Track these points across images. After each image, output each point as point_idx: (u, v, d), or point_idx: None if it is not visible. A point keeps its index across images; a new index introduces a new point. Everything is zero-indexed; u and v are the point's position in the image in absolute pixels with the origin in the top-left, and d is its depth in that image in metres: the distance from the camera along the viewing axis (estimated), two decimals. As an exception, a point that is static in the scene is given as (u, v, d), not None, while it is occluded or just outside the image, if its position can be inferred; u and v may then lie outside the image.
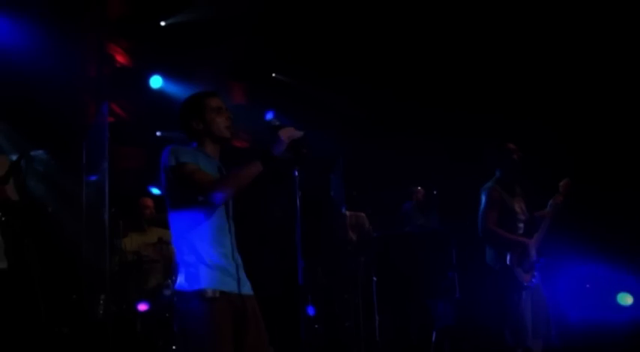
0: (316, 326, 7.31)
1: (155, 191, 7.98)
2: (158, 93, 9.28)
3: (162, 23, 8.92)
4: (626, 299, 8.20)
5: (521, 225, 5.57)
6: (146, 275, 6.52)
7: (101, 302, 6.00)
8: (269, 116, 9.46)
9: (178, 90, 9.28)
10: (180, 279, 3.30)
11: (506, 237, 5.46)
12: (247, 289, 3.39)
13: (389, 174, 9.24)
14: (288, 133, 3.22)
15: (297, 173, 3.17)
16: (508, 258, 5.41)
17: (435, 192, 8.57)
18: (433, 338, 7.29)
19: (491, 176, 5.69)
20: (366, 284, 7.43)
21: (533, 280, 5.42)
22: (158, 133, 9.45)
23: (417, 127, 9.25)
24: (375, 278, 7.37)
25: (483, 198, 5.53)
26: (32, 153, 5.60)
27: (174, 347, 5.76)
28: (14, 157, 5.12)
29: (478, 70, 8.72)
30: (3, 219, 4.70)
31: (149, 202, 7.10)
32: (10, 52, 7.47)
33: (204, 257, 3.27)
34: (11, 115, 7.44)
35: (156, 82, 9.23)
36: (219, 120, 3.45)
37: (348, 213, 8.01)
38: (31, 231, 4.76)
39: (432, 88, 9.00)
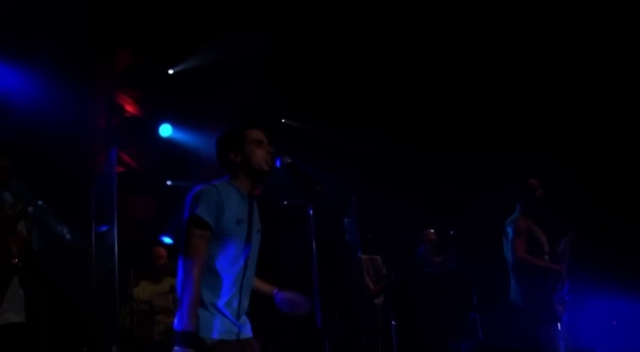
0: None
1: (167, 240, 7.88)
2: (168, 142, 9.22)
3: (171, 71, 8.87)
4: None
5: (546, 257, 5.53)
6: (158, 324, 6.37)
7: None
8: (278, 163, 9.38)
9: (188, 138, 9.24)
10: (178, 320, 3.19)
11: (541, 264, 5.44)
12: (247, 332, 3.31)
13: (404, 216, 9.10)
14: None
15: (311, 212, 3.02)
16: (539, 290, 5.27)
17: (451, 232, 8.40)
18: (457, 382, 7.07)
19: (508, 211, 5.71)
20: (385, 329, 7.23)
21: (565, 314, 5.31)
22: (168, 182, 9.37)
23: (430, 168, 9.13)
24: (393, 323, 7.15)
25: (510, 230, 5.53)
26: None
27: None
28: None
29: (487, 106, 8.62)
30: (21, 266, 4.55)
31: (162, 252, 6.97)
32: (20, 102, 7.44)
33: (206, 302, 3.17)
34: (19, 165, 7.34)
35: (165, 130, 9.17)
36: (258, 153, 3.35)
37: (363, 256, 7.87)
38: (41, 282, 4.62)
39: (443, 128, 8.91)
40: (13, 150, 7.12)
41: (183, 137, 9.25)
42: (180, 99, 9.10)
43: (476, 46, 8.18)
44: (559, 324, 5.29)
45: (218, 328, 3.15)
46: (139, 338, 6.23)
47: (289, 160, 3.24)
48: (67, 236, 7.01)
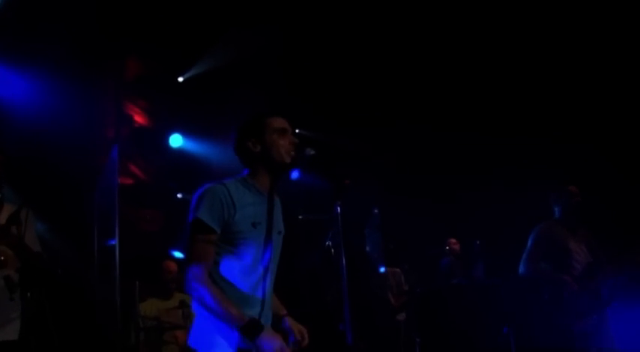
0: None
1: (177, 254, 7.53)
2: (178, 153, 8.89)
3: (180, 79, 8.56)
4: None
5: (577, 266, 5.31)
6: (167, 343, 5.95)
7: None
8: (294, 175, 9.09)
9: (200, 149, 8.90)
10: (194, 333, 2.87)
11: (545, 274, 5.31)
12: None
13: (427, 227, 8.71)
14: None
15: (339, 209, 2.65)
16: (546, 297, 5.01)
17: (477, 242, 7.99)
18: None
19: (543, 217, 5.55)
20: (409, 346, 6.83)
21: (588, 327, 4.94)
22: (179, 195, 9.03)
23: (455, 176, 8.76)
24: (417, 340, 6.74)
25: (530, 237, 5.46)
26: None
27: None
28: None
29: (517, 109, 8.26)
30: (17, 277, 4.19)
31: (172, 266, 6.60)
32: (27, 112, 7.20)
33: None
34: (27, 176, 7.09)
35: (176, 140, 8.83)
36: (281, 143, 2.98)
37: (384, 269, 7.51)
38: (44, 288, 4.24)
39: (468, 133, 8.54)
40: (18, 160, 6.99)
41: (194, 147, 8.90)
42: (191, 109, 8.82)
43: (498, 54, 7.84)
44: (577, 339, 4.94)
45: (235, 344, 2.79)
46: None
47: (313, 152, 2.86)
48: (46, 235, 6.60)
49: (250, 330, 2.67)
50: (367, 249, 7.37)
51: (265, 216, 2.98)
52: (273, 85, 8.45)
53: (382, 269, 7.53)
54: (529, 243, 5.44)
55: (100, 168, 8.44)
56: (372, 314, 7.11)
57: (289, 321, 3.14)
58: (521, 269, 5.41)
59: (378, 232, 7.27)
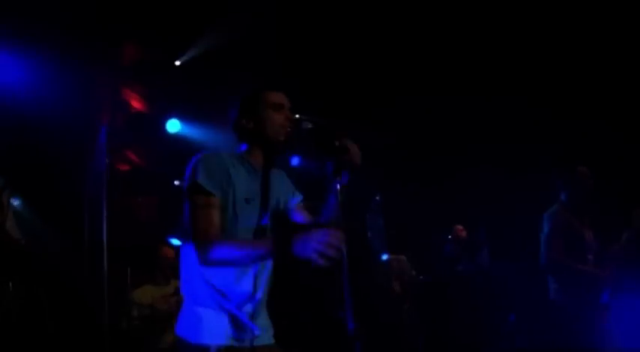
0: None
1: (175, 242, 7.38)
2: (176, 139, 8.71)
3: (178, 63, 8.37)
4: None
5: (590, 256, 4.91)
6: (162, 331, 5.77)
7: None
8: (294, 162, 8.93)
9: (198, 134, 8.72)
10: (182, 322, 2.67)
11: (576, 267, 4.80)
12: (264, 339, 2.76)
13: (431, 212, 8.53)
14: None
15: (339, 186, 2.46)
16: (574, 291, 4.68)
17: (483, 228, 7.82)
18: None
19: (550, 202, 5.15)
20: (413, 336, 6.66)
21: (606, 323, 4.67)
22: (176, 183, 8.86)
23: (460, 160, 8.56)
24: (422, 328, 6.57)
25: (547, 224, 4.94)
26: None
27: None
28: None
29: (523, 97, 8.04)
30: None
31: (169, 251, 6.42)
32: (22, 98, 7.08)
33: (212, 299, 2.63)
34: (19, 162, 6.95)
35: (173, 126, 8.64)
36: (275, 119, 2.79)
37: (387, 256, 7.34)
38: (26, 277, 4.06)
39: (472, 115, 8.33)
40: (10, 145, 6.85)
41: (192, 133, 8.72)
42: (189, 93, 8.64)
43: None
44: (599, 332, 4.67)
45: (226, 331, 2.61)
46: (138, 343, 5.68)
47: (310, 125, 2.66)
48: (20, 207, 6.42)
49: (282, 252, 2.42)
50: (369, 235, 7.19)
51: (258, 193, 2.79)
52: (273, 68, 8.25)
53: (385, 257, 7.36)
54: (546, 231, 4.96)
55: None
56: (374, 303, 6.93)
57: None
58: (543, 259, 4.94)
59: (379, 218, 7.08)
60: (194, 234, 2.56)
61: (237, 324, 2.66)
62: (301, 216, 2.94)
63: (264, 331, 2.78)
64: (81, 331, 6.03)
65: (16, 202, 4.72)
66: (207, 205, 2.60)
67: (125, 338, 5.55)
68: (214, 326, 2.62)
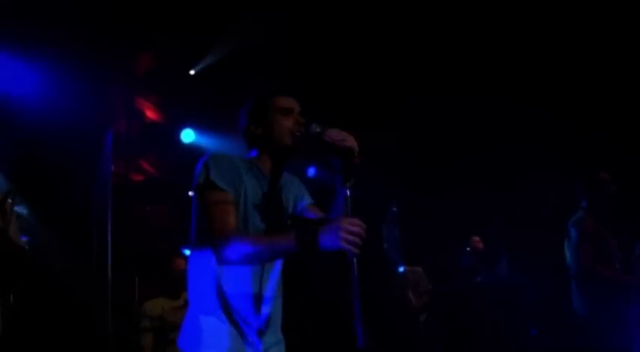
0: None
1: (188, 252, 7.28)
2: (190, 149, 8.65)
3: (192, 72, 8.31)
4: None
5: (616, 264, 4.75)
6: (171, 343, 5.66)
7: None
8: (311, 172, 8.82)
9: (212, 144, 8.64)
10: (183, 333, 2.58)
11: (609, 274, 4.66)
12: None
13: (448, 223, 8.37)
14: (340, 141, 2.44)
15: (348, 193, 2.33)
16: (608, 306, 4.50)
17: (501, 239, 7.64)
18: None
19: (570, 210, 5.03)
20: (430, 348, 6.50)
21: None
22: (190, 193, 8.77)
23: (477, 169, 8.40)
24: (440, 341, 6.41)
25: (574, 232, 4.79)
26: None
27: None
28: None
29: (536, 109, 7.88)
30: None
31: (182, 264, 6.30)
32: (36, 106, 7.04)
33: (217, 310, 2.51)
34: (33, 172, 6.92)
35: (188, 136, 8.58)
36: (284, 124, 2.68)
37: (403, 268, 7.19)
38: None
39: (491, 122, 8.17)
40: (22, 155, 6.81)
41: (206, 142, 8.64)
42: (204, 102, 8.58)
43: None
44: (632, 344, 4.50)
45: (229, 344, 2.48)
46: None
47: (318, 129, 2.53)
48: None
49: (307, 243, 2.29)
50: (385, 246, 7.04)
51: (268, 198, 2.69)
52: (288, 75, 8.16)
53: (401, 269, 7.22)
54: (574, 238, 4.82)
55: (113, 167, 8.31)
56: (390, 315, 6.78)
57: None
58: (574, 268, 4.80)
59: (396, 229, 6.94)
60: (211, 231, 2.45)
61: (241, 338, 2.53)
62: (312, 214, 2.82)
63: (272, 346, 2.65)
64: (85, 341, 5.94)
65: (20, 209, 4.63)
66: (223, 201, 2.50)
67: (131, 350, 5.44)
68: (215, 338, 2.50)
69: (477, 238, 8.19)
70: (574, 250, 4.80)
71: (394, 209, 7.05)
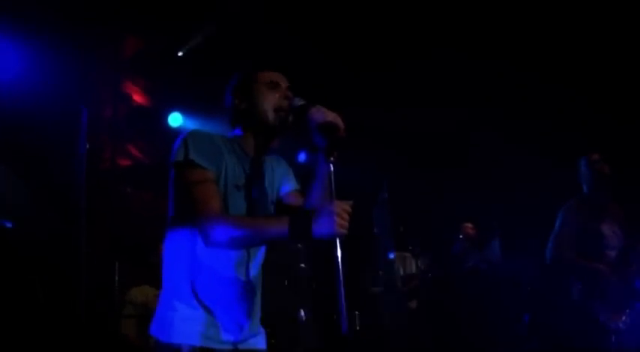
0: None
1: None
2: (178, 133, 8.51)
3: (180, 53, 8.16)
4: None
5: (611, 252, 4.65)
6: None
7: None
8: (302, 157, 8.70)
9: (200, 128, 8.51)
10: (155, 320, 2.43)
11: (579, 264, 4.57)
12: (254, 343, 2.51)
13: (440, 206, 8.26)
14: (323, 116, 2.34)
15: (332, 167, 2.21)
16: (578, 289, 4.42)
17: (494, 222, 7.52)
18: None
19: (567, 194, 4.91)
20: (418, 336, 6.40)
21: (621, 324, 4.38)
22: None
23: (470, 156, 8.28)
24: (430, 327, 6.32)
25: (558, 218, 4.72)
26: None
27: None
28: None
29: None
30: None
31: (165, 248, 6.21)
32: (21, 90, 6.89)
33: (190, 294, 2.38)
34: (18, 154, 6.80)
35: (175, 120, 8.44)
36: (270, 98, 2.55)
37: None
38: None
39: (486, 102, 8.03)
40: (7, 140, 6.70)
41: (195, 126, 8.51)
42: (192, 86, 8.43)
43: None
44: (613, 337, 4.41)
45: (203, 331, 2.36)
46: (130, 344, 5.47)
47: (301, 102, 2.43)
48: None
49: (301, 230, 2.20)
50: (375, 231, 6.94)
51: (249, 179, 2.56)
52: (280, 56, 8.00)
53: (391, 255, 7.12)
54: (556, 226, 4.74)
55: (100, 149, 8.17)
56: (380, 302, 6.69)
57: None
58: (548, 255, 4.71)
59: (387, 213, 6.83)
60: (195, 211, 2.33)
61: (217, 324, 2.41)
62: (293, 200, 2.70)
63: (252, 333, 2.54)
64: (63, 325, 5.84)
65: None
66: (205, 180, 2.38)
67: (113, 336, 5.33)
68: (188, 324, 2.38)
69: (469, 225, 8.11)
70: (552, 238, 4.74)
71: (385, 193, 6.92)
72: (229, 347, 2.43)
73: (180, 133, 2.50)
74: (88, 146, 5.11)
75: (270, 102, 2.56)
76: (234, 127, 2.66)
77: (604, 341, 4.41)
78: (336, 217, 2.14)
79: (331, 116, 2.34)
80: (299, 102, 2.47)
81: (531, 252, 5.67)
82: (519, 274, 6.42)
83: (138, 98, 8.70)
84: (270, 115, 2.55)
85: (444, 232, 8.24)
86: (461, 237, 8.00)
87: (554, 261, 4.68)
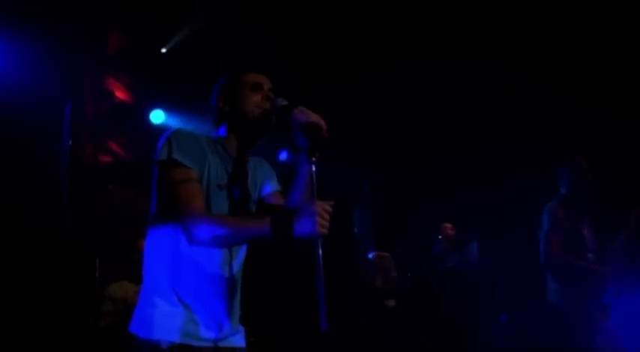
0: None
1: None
2: (160, 130, 8.49)
3: (164, 50, 8.15)
4: None
5: (590, 254, 4.73)
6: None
7: None
8: (283, 156, 8.72)
9: (182, 125, 8.50)
10: (134, 317, 2.45)
11: (578, 264, 4.65)
12: (233, 340, 2.53)
13: (421, 207, 8.30)
14: (306, 117, 2.39)
15: (314, 168, 2.25)
16: (577, 290, 4.49)
17: (472, 224, 7.60)
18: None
19: (545, 196, 5.03)
20: (397, 335, 6.45)
21: (608, 324, 4.48)
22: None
23: (453, 156, 8.33)
24: (408, 327, 6.37)
25: (545, 220, 4.79)
26: None
27: None
28: None
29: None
30: None
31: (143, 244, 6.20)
32: (5, 85, 6.91)
33: (171, 291, 2.40)
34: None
35: (157, 117, 8.43)
36: (253, 99, 2.59)
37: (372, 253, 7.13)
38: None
39: (467, 102, 8.08)
40: None
41: (177, 124, 8.51)
42: (174, 82, 8.41)
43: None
44: (597, 334, 4.50)
45: (182, 327, 2.38)
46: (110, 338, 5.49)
47: (285, 102, 2.47)
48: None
49: (282, 230, 2.25)
50: (355, 231, 6.97)
51: (232, 179, 2.59)
52: (264, 54, 8.00)
53: (371, 255, 7.17)
54: (545, 227, 4.82)
55: (81, 146, 8.14)
56: (357, 301, 6.73)
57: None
58: (544, 258, 4.78)
59: (368, 214, 6.87)
60: (179, 210, 2.36)
61: (197, 321, 2.44)
62: (275, 201, 2.74)
63: (232, 331, 2.56)
64: (43, 322, 5.84)
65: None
66: (189, 179, 2.41)
67: (93, 333, 5.34)
68: (168, 320, 2.39)
69: (448, 225, 8.16)
70: (544, 238, 4.79)
71: (366, 194, 6.97)
72: (209, 344, 2.45)
73: (165, 132, 2.52)
74: (70, 142, 5.06)
75: (252, 103, 2.59)
76: (217, 128, 2.69)
77: (591, 342, 4.51)
78: (317, 217, 2.18)
79: (314, 117, 2.39)
80: (282, 102, 2.51)
81: (509, 253, 5.75)
82: (497, 275, 6.50)
83: (120, 94, 8.67)
84: (252, 116, 2.58)
85: (424, 232, 8.29)
86: (440, 237, 8.05)
87: (551, 262, 4.76)
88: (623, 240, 4.95)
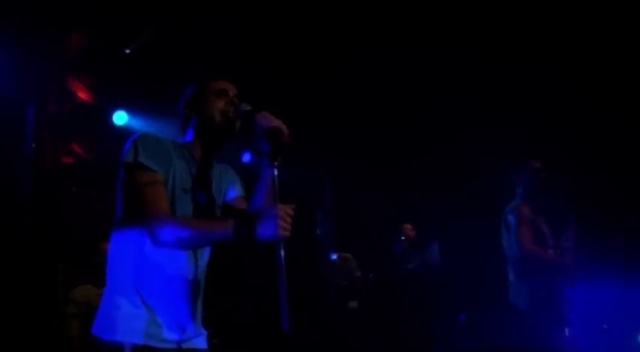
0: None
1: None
2: (123, 131, 8.44)
3: (127, 51, 8.11)
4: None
5: (550, 251, 4.89)
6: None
7: None
8: (246, 158, 8.72)
9: (145, 127, 8.47)
10: (97, 319, 2.49)
11: (551, 257, 4.89)
12: (196, 342, 2.57)
13: (382, 210, 8.38)
14: (268, 122, 2.45)
15: (276, 172, 2.32)
16: (546, 288, 4.65)
17: (433, 226, 7.70)
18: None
19: (503, 198, 5.19)
20: (359, 336, 6.52)
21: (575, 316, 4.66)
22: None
23: (413, 158, 8.41)
24: (371, 328, 6.44)
25: (512, 218, 4.96)
26: None
27: None
28: None
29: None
30: None
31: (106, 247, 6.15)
32: None
33: (134, 292, 2.44)
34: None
35: (120, 118, 8.38)
36: (216, 103, 2.66)
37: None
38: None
39: (428, 106, 8.14)
40: None
41: (139, 125, 8.47)
42: (138, 84, 8.39)
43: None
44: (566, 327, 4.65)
45: (145, 329, 2.41)
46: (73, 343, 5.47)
47: (248, 107, 2.54)
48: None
49: (245, 232, 2.31)
50: (318, 232, 7.02)
51: (196, 183, 2.64)
52: (228, 56, 8.00)
53: (334, 256, 7.22)
54: (513, 224, 4.96)
55: (43, 147, 8.06)
56: (320, 302, 6.78)
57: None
58: (518, 253, 4.91)
59: (329, 216, 6.93)
60: (144, 212, 2.41)
61: (160, 323, 2.47)
62: (239, 205, 2.80)
63: (195, 333, 2.60)
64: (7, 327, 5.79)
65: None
66: (154, 182, 2.46)
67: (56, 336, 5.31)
68: (131, 322, 2.43)
69: (408, 225, 8.24)
70: (513, 235, 4.92)
71: (327, 196, 7.02)
72: (172, 345, 2.48)
73: (131, 135, 2.57)
74: (33, 145, 5.03)
75: (216, 109, 2.65)
76: (185, 134, 2.75)
77: (555, 339, 4.65)
78: (279, 220, 2.25)
79: (276, 122, 2.45)
80: (245, 107, 2.57)
81: (469, 253, 5.85)
82: (457, 275, 6.60)
83: (82, 95, 8.60)
84: (217, 120, 2.64)
85: (385, 234, 8.37)
86: (403, 238, 8.13)
87: (528, 258, 4.87)
88: (565, 246, 5.10)
